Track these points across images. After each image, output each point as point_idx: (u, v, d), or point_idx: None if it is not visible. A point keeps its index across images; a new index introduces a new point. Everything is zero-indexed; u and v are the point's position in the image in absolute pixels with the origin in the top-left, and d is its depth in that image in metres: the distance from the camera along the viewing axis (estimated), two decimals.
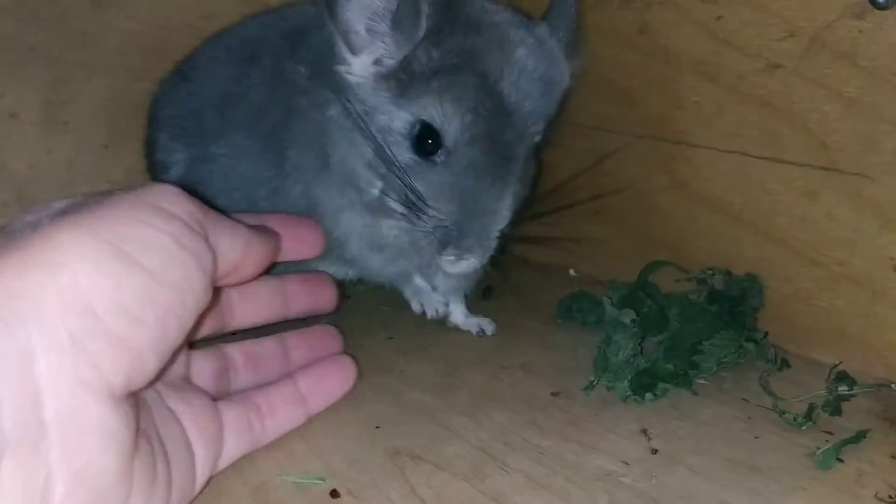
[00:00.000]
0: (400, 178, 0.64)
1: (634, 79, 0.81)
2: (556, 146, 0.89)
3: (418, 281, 0.80)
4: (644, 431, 0.60)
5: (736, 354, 0.67)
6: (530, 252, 0.93)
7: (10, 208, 0.98)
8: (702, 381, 0.67)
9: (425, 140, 0.64)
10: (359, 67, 0.66)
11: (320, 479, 0.54)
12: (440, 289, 0.78)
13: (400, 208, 0.65)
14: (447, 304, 0.80)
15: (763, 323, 0.73)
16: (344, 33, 0.65)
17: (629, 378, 0.64)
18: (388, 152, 0.64)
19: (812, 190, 0.69)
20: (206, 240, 0.48)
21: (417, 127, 0.64)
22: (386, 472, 0.55)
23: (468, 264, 0.65)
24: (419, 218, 0.64)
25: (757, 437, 0.60)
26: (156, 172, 0.82)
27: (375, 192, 0.66)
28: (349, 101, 0.66)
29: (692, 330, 0.67)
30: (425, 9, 0.64)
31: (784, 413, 0.61)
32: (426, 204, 0.64)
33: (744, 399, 0.65)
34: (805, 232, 0.70)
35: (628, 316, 0.68)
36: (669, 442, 0.59)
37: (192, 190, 0.51)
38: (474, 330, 0.78)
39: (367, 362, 0.72)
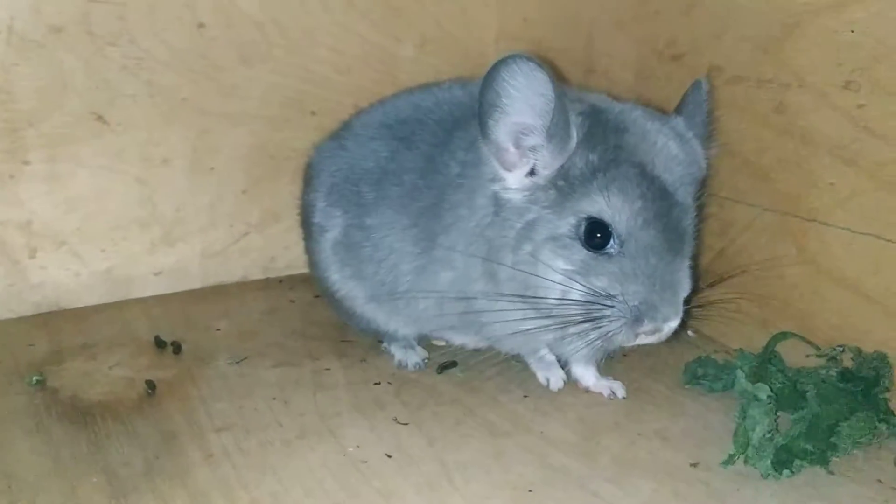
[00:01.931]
0: (576, 279, 0.69)
1: (768, 155, 0.84)
2: None
3: (545, 353, 0.83)
4: None
5: (870, 436, 0.70)
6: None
7: (157, 248, 1.05)
8: (836, 460, 0.69)
9: (594, 235, 0.69)
10: (514, 182, 0.72)
11: None
12: (574, 356, 0.81)
13: (579, 309, 0.70)
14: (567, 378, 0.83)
15: (892, 402, 0.75)
16: (496, 152, 0.72)
17: (770, 455, 0.66)
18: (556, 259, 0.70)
19: None
20: None
21: (584, 225, 0.69)
22: None
23: (667, 331, 0.70)
24: (606, 308, 0.69)
25: None
26: (313, 233, 0.87)
27: (552, 300, 0.71)
28: (508, 217, 0.72)
29: (829, 411, 0.70)
30: (575, 119, 0.70)
31: None
32: (610, 295, 0.69)
33: (878, 480, 0.68)
34: None
35: (764, 392, 0.71)
36: None
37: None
38: (605, 392, 0.82)
39: (507, 420, 0.77)
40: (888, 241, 0.75)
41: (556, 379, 0.83)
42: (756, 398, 0.71)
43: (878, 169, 0.75)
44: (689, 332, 0.95)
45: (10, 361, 0.88)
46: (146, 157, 1.02)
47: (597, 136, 0.70)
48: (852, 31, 0.75)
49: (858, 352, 0.77)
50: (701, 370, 0.84)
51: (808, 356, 0.80)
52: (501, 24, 1.18)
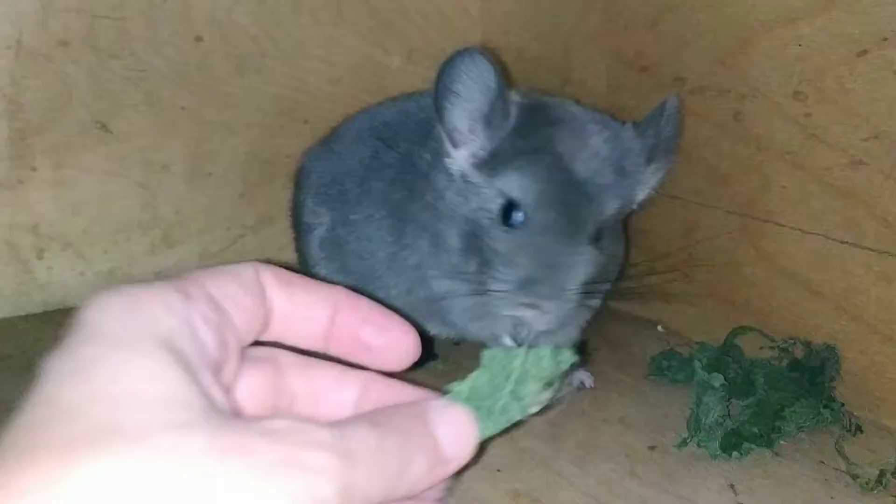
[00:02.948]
0: (492, 251, 0.75)
1: (727, 160, 0.90)
2: (654, 215, 0.99)
3: (507, 340, 0.88)
4: (732, 486, 0.69)
5: (814, 420, 0.75)
6: (624, 306, 1.03)
7: (158, 248, 1.11)
8: (782, 443, 0.75)
9: (510, 212, 0.75)
10: (459, 157, 0.79)
11: None
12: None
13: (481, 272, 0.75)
14: None
15: (838, 390, 0.80)
16: (449, 132, 0.78)
17: (719, 438, 0.72)
18: (482, 230, 0.75)
19: (889, 275, 0.77)
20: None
21: (502, 201, 0.75)
22: None
23: (544, 316, 0.73)
24: (497, 271, 0.73)
25: (832, 498, 0.68)
26: (302, 232, 0.93)
27: (472, 267, 0.76)
28: (453, 191, 0.79)
29: (777, 396, 0.76)
30: (514, 110, 0.77)
31: (857, 477, 0.69)
32: (503, 265, 0.73)
33: (821, 462, 0.73)
34: (881, 311, 0.78)
35: (718, 380, 0.77)
36: (754, 497, 0.68)
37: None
38: (574, 383, 0.87)
39: None
40: (834, 240, 0.81)
41: None
42: (711, 386, 0.77)
43: (824, 173, 0.81)
44: (659, 328, 1.01)
45: (20, 356, 0.93)
46: (147, 163, 1.08)
47: (529, 126, 0.77)
48: (800, 45, 0.81)
49: (808, 344, 0.83)
50: (666, 362, 0.89)
51: (761, 348, 0.86)
52: (485, 37, 1.24)
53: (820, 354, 0.81)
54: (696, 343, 0.91)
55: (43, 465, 0.30)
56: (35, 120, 1.01)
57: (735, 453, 0.73)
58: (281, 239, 1.15)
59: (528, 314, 0.74)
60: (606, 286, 0.82)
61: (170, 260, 1.12)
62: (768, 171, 0.86)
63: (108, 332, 0.36)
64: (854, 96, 0.77)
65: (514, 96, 0.80)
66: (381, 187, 0.86)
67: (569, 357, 0.50)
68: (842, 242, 0.80)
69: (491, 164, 0.76)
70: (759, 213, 0.88)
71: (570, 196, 0.74)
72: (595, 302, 0.82)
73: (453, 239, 0.78)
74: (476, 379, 0.48)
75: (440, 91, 0.76)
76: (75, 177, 1.04)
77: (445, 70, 0.75)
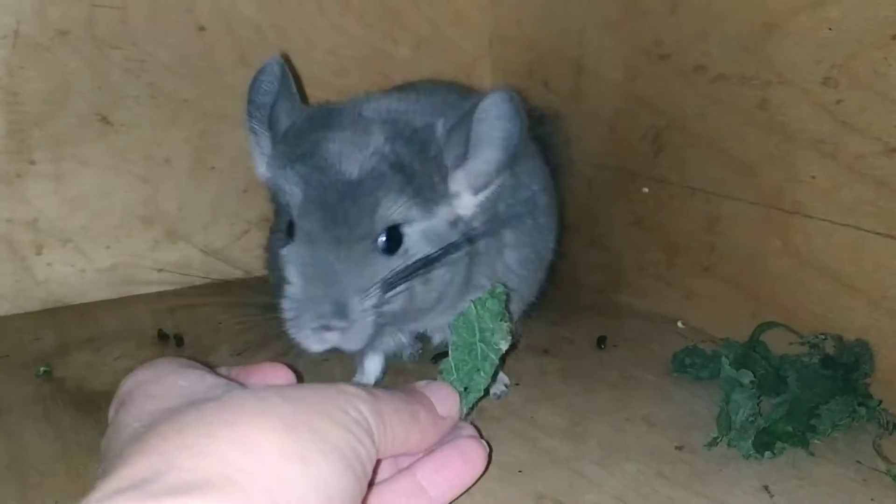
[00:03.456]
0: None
1: (752, 151, 0.87)
2: (673, 208, 0.96)
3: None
4: (766, 488, 0.66)
5: (850, 418, 0.72)
6: (642, 303, 1.00)
7: (160, 244, 1.08)
8: (816, 442, 0.72)
9: (291, 225, 0.69)
10: (260, 168, 0.77)
11: None
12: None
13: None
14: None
15: (873, 387, 0.77)
16: (254, 139, 0.77)
17: (751, 437, 0.69)
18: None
19: None
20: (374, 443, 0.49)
21: (286, 214, 0.70)
22: None
23: (346, 336, 0.66)
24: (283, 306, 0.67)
25: (872, 500, 0.64)
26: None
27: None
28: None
29: (810, 394, 0.72)
30: (289, 114, 0.75)
31: None
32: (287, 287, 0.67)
33: (858, 462, 0.70)
34: None
35: (747, 377, 0.73)
36: (790, 499, 0.64)
37: None
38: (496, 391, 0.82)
39: (498, 407, 0.79)
40: (867, 231, 0.78)
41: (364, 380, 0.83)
42: (739, 384, 0.73)
43: (856, 162, 0.77)
44: (679, 325, 0.98)
45: (18, 354, 0.90)
46: (149, 156, 1.05)
47: (299, 132, 0.72)
48: (829, 29, 0.77)
49: (840, 339, 0.79)
50: (689, 359, 0.86)
51: (790, 344, 0.82)
52: (495, 26, 1.21)
53: (853, 350, 0.78)
54: (721, 339, 0.88)
55: None
56: (33, 112, 0.98)
57: (768, 453, 0.69)
58: None
59: (330, 337, 0.65)
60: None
61: (172, 256, 1.09)
62: (796, 160, 0.83)
63: None
64: (888, 81, 0.74)
65: (309, 105, 0.78)
66: None
67: (502, 289, 0.68)
68: (875, 234, 0.77)
69: (274, 175, 0.72)
70: (786, 205, 0.85)
71: (334, 198, 0.66)
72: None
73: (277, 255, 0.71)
74: (454, 348, 0.66)
75: (248, 103, 0.76)
76: (75, 170, 1.01)
77: (251, 83, 0.75)
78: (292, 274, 0.67)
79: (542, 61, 1.14)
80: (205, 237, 1.10)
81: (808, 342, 0.81)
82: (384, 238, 0.68)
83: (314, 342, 0.66)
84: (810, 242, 0.83)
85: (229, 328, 0.98)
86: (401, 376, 0.85)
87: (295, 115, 0.75)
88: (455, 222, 0.73)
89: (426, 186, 0.70)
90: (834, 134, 0.79)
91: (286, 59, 0.79)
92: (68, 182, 1.01)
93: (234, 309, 0.78)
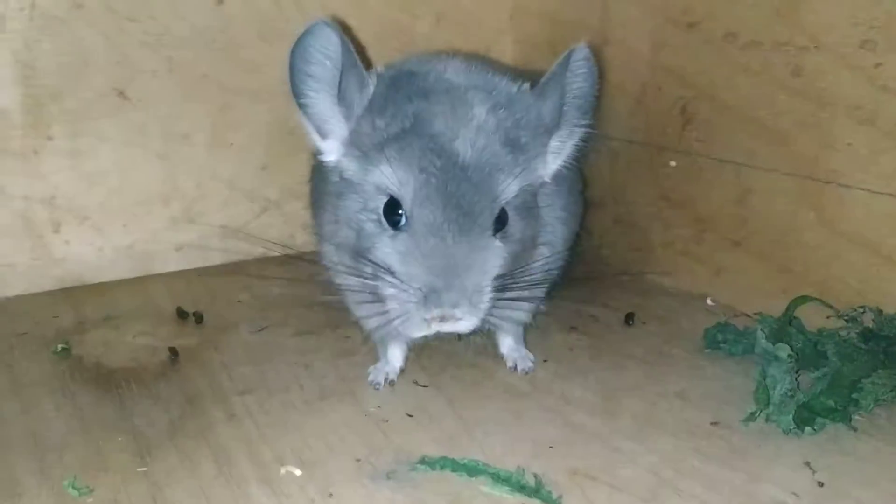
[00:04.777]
0: (384, 262, 0.65)
1: (785, 119, 0.84)
2: (701, 180, 0.93)
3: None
4: (808, 464, 0.63)
5: (893, 393, 0.70)
6: (668, 279, 0.97)
7: (178, 223, 1.06)
8: (858, 417, 0.69)
9: (392, 210, 0.65)
10: (331, 151, 0.70)
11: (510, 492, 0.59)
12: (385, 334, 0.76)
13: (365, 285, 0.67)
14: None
15: None
16: (313, 121, 0.70)
17: (791, 412, 0.66)
18: (369, 237, 0.66)
19: None
20: None
21: (384, 199, 0.65)
22: (567, 490, 0.60)
23: (459, 324, 0.64)
24: (388, 286, 0.64)
25: None
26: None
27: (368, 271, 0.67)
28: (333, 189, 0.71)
29: (851, 368, 0.70)
30: (369, 82, 0.68)
31: None
32: (392, 272, 0.64)
33: None
34: None
35: (784, 350, 0.71)
36: (834, 475, 0.62)
37: None
38: (509, 363, 0.80)
39: (527, 383, 0.77)
40: None
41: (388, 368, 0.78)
42: (776, 357, 0.71)
43: None
44: (708, 301, 0.95)
45: (36, 332, 0.89)
46: (167, 132, 1.03)
47: (390, 102, 0.67)
48: None
49: (879, 312, 0.77)
50: (721, 335, 0.84)
51: (828, 317, 0.80)
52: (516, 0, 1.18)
53: (893, 323, 0.75)
54: (753, 315, 0.86)
55: None
56: (50, 86, 0.96)
57: (808, 429, 0.67)
58: (306, 214, 1.10)
59: (442, 327, 0.64)
60: (537, 270, 0.73)
61: (191, 234, 1.07)
62: (832, 128, 0.80)
63: None
64: None
65: (379, 69, 0.71)
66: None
67: None
68: None
69: (362, 155, 0.67)
70: (821, 174, 0.82)
71: (454, 184, 0.63)
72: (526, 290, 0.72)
73: (349, 239, 0.69)
74: None
75: (295, 76, 0.68)
76: (93, 146, 0.99)
77: (295, 52, 0.67)
78: (407, 264, 0.63)
79: (565, 33, 1.11)
80: (223, 216, 1.08)
81: (846, 316, 0.78)
82: (496, 221, 0.66)
83: (434, 329, 0.64)
84: (846, 213, 0.80)
85: (249, 305, 0.96)
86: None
87: (365, 84, 0.68)
88: (537, 190, 0.72)
89: (533, 157, 0.69)
90: (872, 99, 0.76)
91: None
92: (85, 158, 0.99)
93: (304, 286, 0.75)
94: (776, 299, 0.85)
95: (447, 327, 0.64)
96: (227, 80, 1.05)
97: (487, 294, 0.64)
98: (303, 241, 1.13)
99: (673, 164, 0.98)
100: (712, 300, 0.95)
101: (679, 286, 0.99)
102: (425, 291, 0.62)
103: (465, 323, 0.64)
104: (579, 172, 0.84)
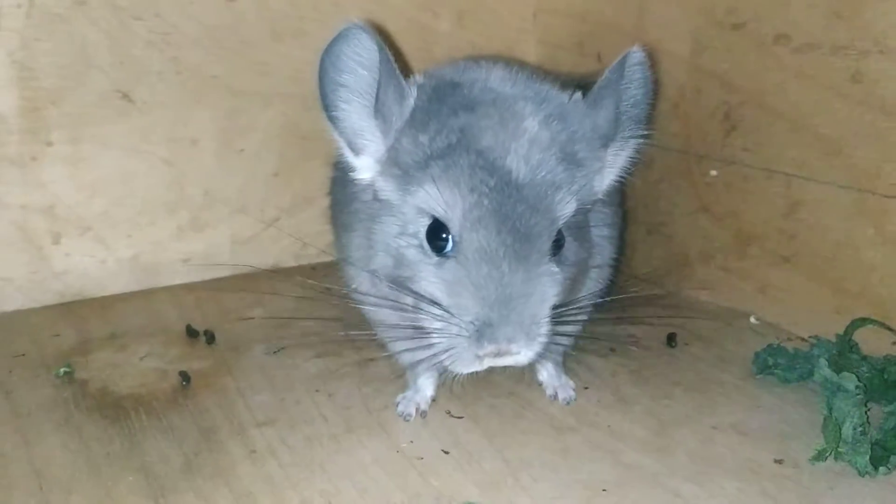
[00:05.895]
0: (408, 284, 0.59)
1: (842, 128, 0.79)
2: (746, 192, 0.88)
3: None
4: None
5: None
6: (709, 296, 0.92)
7: (185, 233, 1.00)
8: None
9: (437, 234, 0.59)
10: (365, 169, 0.64)
11: None
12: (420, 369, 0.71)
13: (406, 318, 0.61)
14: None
15: None
16: (345, 136, 0.63)
17: (868, 451, 0.61)
18: (410, 264, 0.60)
19: None
20: None
21: (427, 222, 0.59)
22: None
23: (515, 358, 0.58)
24: (435, 319, 0.58)
25: None
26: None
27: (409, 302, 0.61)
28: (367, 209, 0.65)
29: None
30: (408, 93, 0.62)
31: None
32: (439, 306, 0.58)
33: None
34: None
35: (851, 381, 0.66)
36: None
37: None
38: (549, 392, 0.75)
39: (570, 414, 0.72)
40: None
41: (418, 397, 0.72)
42: (842, 388, 0.66)
43: None
44: (752, 319, 0.90)
45: (36, 353, 0.83)
46: (173, 137, 0.97)
47: (433, 115, 0.61)
48: None
49: None
50: (772, 359, 0.78)
51: (894, 343, 0.74)
52: None
53: None
54: (803, 338, 0.80)
55: None
56: (49, 88, 0.90)
57: (882, 468, 0.61)
58: (319, 222, 1.04)
59: (496, 362, 0.58)
60: (589, 298, 0.67)
61: (198, 245, 1.01)
62: (895, 138, 0.75)
63: None
64: None
65: (419, 78, 0.65)
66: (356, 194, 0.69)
67: None
68: None
69: (402, 174, 0.60)
70: (882, 188, 0.76)
71: (509, 205, 0.57)
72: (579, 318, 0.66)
73: (385, 268, 0.62)
74: None
75: (325, 86, 0.61)
76: (94, 152, 0.93)
77: (326, 59, 0.60)
78: (456, 295, 0.57)
79: (595, 33, 1.05)
80: (232, 225, 1.02)
81: None
82: (553, 245, 0.60)
83: (486, 365, 0.58)
84: None
85: (262, 324, 0.90)
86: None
87: (405, 95, 0.62)
88: (590, 208, 0.66)
89: (590, 172, 0.63)
90: None
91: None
92: (87, 165, 0.93)
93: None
94: (827, 320, 0.80)
95: (502, 362, 0.58)
96: (237, 82, 0.98)
97: (545, 325, 0.58)
98: (317, 250, 1.08)
99: (714, 173, 0.92)
100: (756, 318, 0.89)
101: (719, 303, 0.93)
102: (478, 325, 0.56)
103: (521, 357, 0.58)
104: (621, 186, 0.78)
